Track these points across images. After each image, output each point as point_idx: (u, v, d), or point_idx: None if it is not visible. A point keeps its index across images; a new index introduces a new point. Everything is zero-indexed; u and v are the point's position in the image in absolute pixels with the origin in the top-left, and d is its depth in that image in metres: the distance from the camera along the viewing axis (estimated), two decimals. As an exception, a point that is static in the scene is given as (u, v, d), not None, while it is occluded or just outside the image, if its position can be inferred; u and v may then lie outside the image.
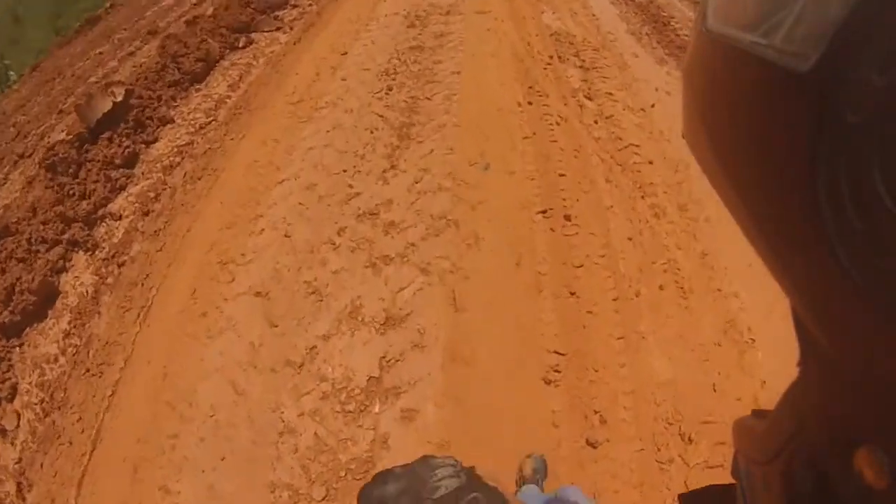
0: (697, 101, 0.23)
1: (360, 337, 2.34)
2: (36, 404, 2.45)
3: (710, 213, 2.62)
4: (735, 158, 0.20)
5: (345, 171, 3.05)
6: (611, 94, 3.53)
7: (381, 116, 3.43)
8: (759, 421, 0.27)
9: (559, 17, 4.57)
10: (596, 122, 3.31)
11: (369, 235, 2.69)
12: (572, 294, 2.38)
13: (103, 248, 2.99)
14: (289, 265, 2.63)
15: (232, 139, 3.51)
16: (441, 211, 2.76)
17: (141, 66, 4.35)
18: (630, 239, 2.59)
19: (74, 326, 2.69)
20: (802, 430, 0.22)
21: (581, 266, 2.48)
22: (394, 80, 3.80)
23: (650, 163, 3.01)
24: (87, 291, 2.81)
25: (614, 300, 2.36)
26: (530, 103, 3.49)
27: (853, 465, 0.18)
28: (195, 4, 5.71)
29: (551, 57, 3.93)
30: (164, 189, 3.24)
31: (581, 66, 3.85)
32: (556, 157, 3.06)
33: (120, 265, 2.88)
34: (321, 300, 2.47)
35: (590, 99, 3.55)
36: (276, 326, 2.43)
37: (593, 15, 4.60)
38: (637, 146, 3.12)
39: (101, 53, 5.35)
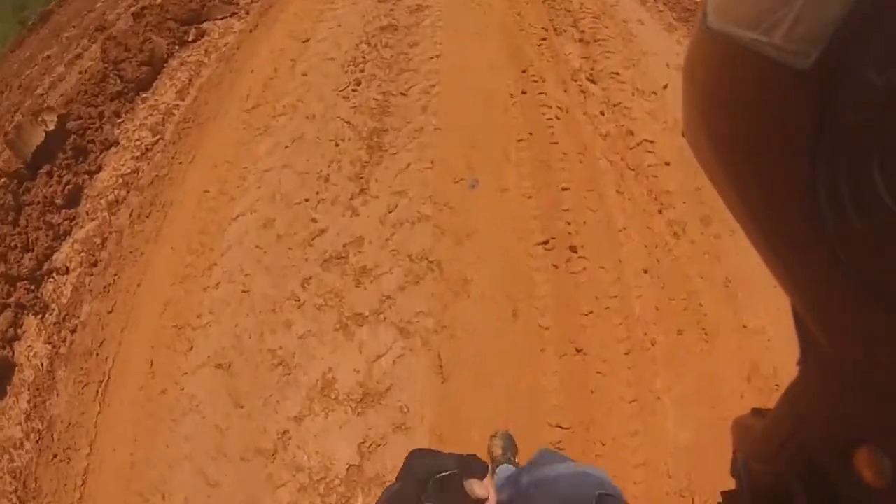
0: (697, 100, 0.23)
1: (336, 418, 2.01)
2: (11, 493, 2.27)
3: (734, 223, 2.11)
4: (735, 157, 0.20)
5: (307, 199, 2.60)
6: (616, 73, 2.92)
7: (348, 122, 2.92)
8: (759, 420, 0.27)
9: None
10: (602, 114, 2.74)
11: (338, 287, 2.30)
12: (578, 351, 1.98)
13: (53, 309, 2.68)
14: (250, 329, 2.27)
15: (181, 163, 3.06)
16: (421, 249, 2.33)
17: (86, 71, 3.85)
18: (646, 271, 2.13)
19: (34, 406, 2.45)
20: (802, 429, 0.22)
21: (590, 313, 2.05)
22: (362, 71, 3.23)
23: (666, 164, 2.47)
24: (41, 364, 2.54)
25: (627, 354, 1.96)
26: (524, 93, 2.91)
27: (853, 465, 0.18)
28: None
29: (546, 29, 3.29)
30: (111, 233, 2.87)
31: (580, 40, 3.20)
32: (557, 163, 2.54)
33: (72, 330, 2.58)
34: (289, 373, 2.13)
35: (593, 82, 2.95)
36: (242, 407, 2.12)
37: None
38: (651, 142, 2.57)
39: (48, 58, 4.84)
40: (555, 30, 3.36)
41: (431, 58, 3.25)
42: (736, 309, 2.02)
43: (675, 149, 2.52)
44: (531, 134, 2.71)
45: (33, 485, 2.28)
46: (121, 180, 3.10)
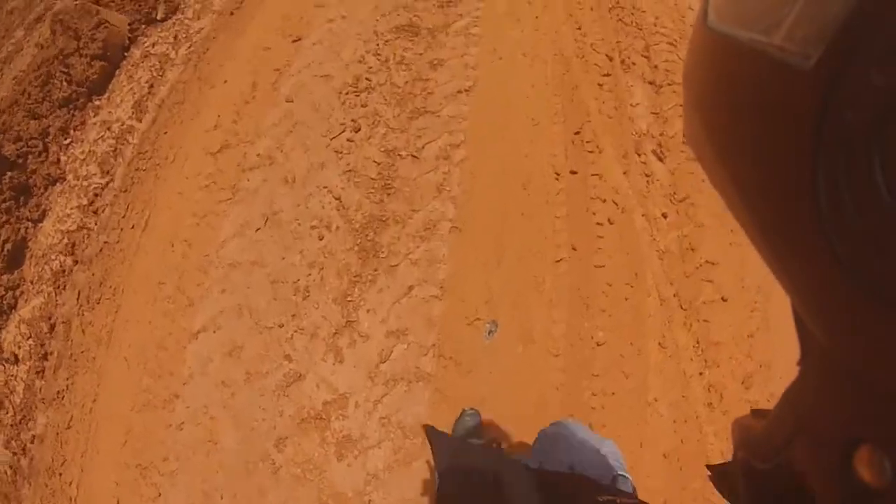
0: (698, 99, 0.23)
1: None
2: None
3: (773, 385, 1.72)
4: (735, 157, 0.20)
5: (280, 325, 2.06)
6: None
7: (338, 200, 2.23)
8: (759, 420, 0.27)
9: None
10: (665, 216, 2.02)
11: (317, 457, 1.86)
12: None
13: (7, 408, 2.37)
14: (221, 488, 1.92)
15: (133, 227, 2.48)
16: (416, 422, 1.83)
17: (26, 68, 3.09)
18: (665, 456, 1.65)
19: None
20: (802, 429, 0.22)
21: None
22: (364, 105, 2.42)
23: (723, 300, 1.82)
24: (6, 472, 2.30)
25: None
26: (574, 173, 2.13)
27: (853, 465, 0.18)
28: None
29: (610, 58, 2.38)
30: (59, 321, 2.43)
31: (652, 82, 2.33)
32: (597, 301, 1.92)
33: (31, 440, 2.29)
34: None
35: (661, 159, 2.16)
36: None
37: None
38: (713, 264, 1.89)
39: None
40: (622, 61, 2.44)
41: (459, 92, 2.39)
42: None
43: (735, 276, 1.86)
44: (574, 249, 2.01)
45: None
46: (66, 239, 2.57)
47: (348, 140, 2.32)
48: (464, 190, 2.18)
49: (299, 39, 2.71)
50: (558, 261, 1.99)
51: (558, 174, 2.23)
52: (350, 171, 2.26)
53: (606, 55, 2.53)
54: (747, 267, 1.97)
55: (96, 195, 2.66)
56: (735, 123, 0.19)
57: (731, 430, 0.31)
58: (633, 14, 2.76)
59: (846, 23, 0.14)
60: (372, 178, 2.23)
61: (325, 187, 2.25)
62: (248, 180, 2.38)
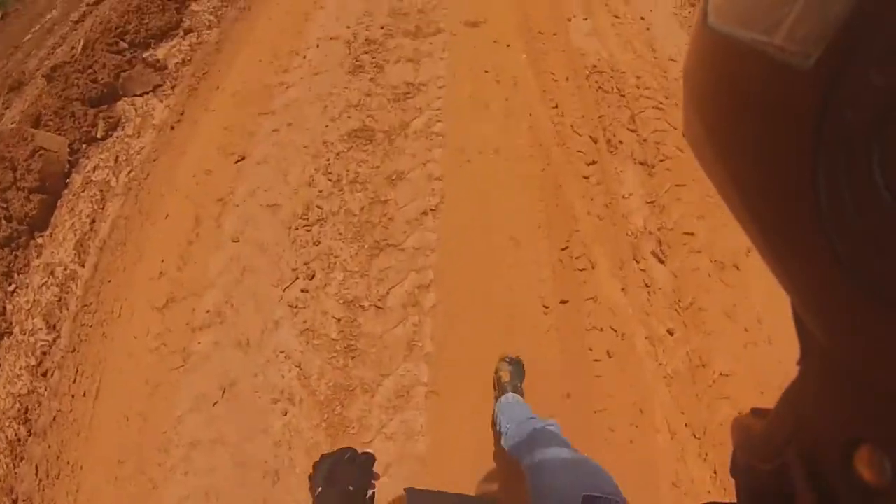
0: (697, 99, 0.23)
1: None
2: None
3: None
4: (735, 156, 0.20)
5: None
6: (690, 234, 1.92)
7: (298, 367, 1.95)
8: (759, 420, 0.27)
9: (596, 31, 2.39)
10: (671, 333, 1.95)
11: None
12: None
13: None
14: None
15: (84, 394, 2.25)
16: None
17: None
18: None
19: None
20: (802, 429, 0.22)
21: None
22: (317, 242, 2.13)
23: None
24: None
25: None
26: (565, 302, 1.85)
27: (853, 465, 0.18)
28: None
29: (594, 140, 2.17)
30: (20, 495, 2.22)
31: (643, 162, 2.10)
32: (599, 452, 1.59)
33: None
34: None
35: (662, 261, 1.96)
36: None
37: (642, 20, 2.36)
38: (726, 376, 1.86)
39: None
40: (608, 141, 2.17)
41: (424, 213, 2.09)
42: None
43: (753, 385, 1.66)
44: (569, 397, 1.75)
45: None
46: (17, 405, 2.35)
47: (302, 291, 2.03)
48: (438, 344, 1.89)
49: (242, 159, 2.41)
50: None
51: (546, 307, 1.94)
52: (308, 330, 1.99)
53: (590, 136, 2.24)
54: (765, 370, 1.76)
55: (44, 353, 2.44)
56: (735, 123, 0.19)
57: (732, 431, 0.30)
58: (612, 77, 2.44)
59: (846, 22, 0.14)
60: (333, 339, 1.95)
61: (282, 352, 1.99)
62: (199, 343, 2.12)
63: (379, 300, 1.97)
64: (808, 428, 0.21)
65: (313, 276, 2.05)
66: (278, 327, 2.04)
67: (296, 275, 2.07)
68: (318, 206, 2.18)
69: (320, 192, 2.21)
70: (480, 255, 2.01)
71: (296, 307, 2.03)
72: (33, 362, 2.45)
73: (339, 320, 1.97)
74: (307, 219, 2.16)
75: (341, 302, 1.99)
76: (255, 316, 2.08)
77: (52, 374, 2.39)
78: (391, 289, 1.98)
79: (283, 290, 2.06)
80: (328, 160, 2.28)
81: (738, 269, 1.97)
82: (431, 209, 2.10)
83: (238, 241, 2.22)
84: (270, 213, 2.24)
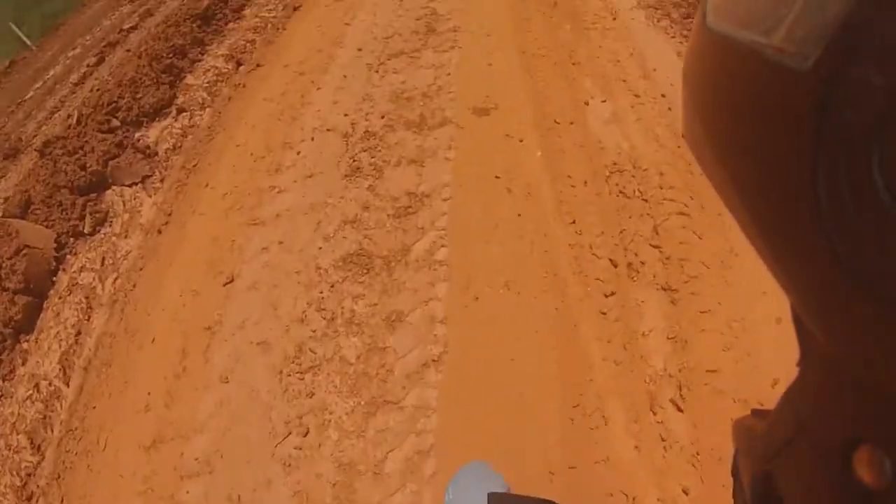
0: (697, 100, 0.23)
1: None
2: None
3: None
4: (734, 158, 0.20)
5: None
6: (714, 372, 1.95)
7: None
8: (760, 420, 0.27)
9: (616, 116, 2.23)
10: (686, 493, 1.87)
11: None
12: None
13: None
14: None
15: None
16: None
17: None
18: None
19: None
20: (802, 430, 0.22)
21: None
22: (311, 394, 2.05)
23: None
24: None
25: None
26: (573, 468, 1.77)
27: (853, 465, 0.18)
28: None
29: (615, 264, 2.02)
30: None
31: (666, 286, 1.95)
32: None
33: None
34: None
35: (680, 408, 1.87)
36: None
37: (664, 98, 2.22)
38: None
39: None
40: (629, 265, 2.04)
41: (425, 365, 2.02)
42: None
43: None
44: None
45: None
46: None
47: (295, 448, 1.93)
48: (437, 523, 1.79)
49: (231, 281, 2.29)
50: None
51: (552, 473, 1.83)
52: (301, 492, 1.90)
53: (609, 259, 2.11)
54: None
55: (28, 475, 2.36)
56: (735, 124, 0.19)
57: (733, 432, 0.30)
58: (633, 177, 2.31)
59: (845, 23, 0.14)
60: (327, 505, 1.85)
61: (274, 516, 1.89)
62: (188, 492, 2.03)
63: (376, 466, 1.87)
64: (809, 428, 0.21)
65: (307, 434, 1.95)
66: (270, 486, 1.94)
67: (289, 429, 1.97)
68: (311, 350, 2.06)
69: (313, 332, 2.09)
70: (484, 416, 1.91)
71: (289, 466, 1.94)
72: (18, 483, 2.37)
73: (333, 485, 1.88)
74: (300, 364, 2.05)
75: (336, 464, 1.90)
76: (246, 470, 1.99)
77: (36, 500, 2.32)
78: (389, 453, 1.88)
79: (276, 447, 1.96)
80: (321, 293, 2.15)
81: (761, 406, 1.88)
82: (434, 360, 1.98)
83: (227, 382, 2.11)
84: (261, 353, 2.12)
